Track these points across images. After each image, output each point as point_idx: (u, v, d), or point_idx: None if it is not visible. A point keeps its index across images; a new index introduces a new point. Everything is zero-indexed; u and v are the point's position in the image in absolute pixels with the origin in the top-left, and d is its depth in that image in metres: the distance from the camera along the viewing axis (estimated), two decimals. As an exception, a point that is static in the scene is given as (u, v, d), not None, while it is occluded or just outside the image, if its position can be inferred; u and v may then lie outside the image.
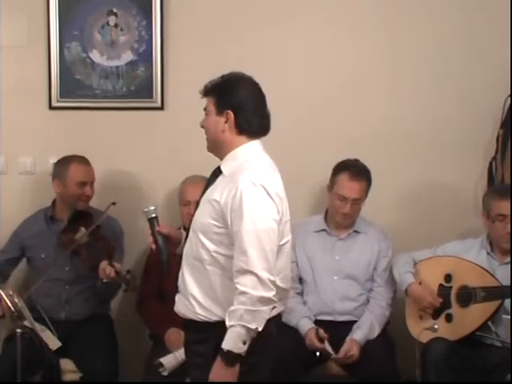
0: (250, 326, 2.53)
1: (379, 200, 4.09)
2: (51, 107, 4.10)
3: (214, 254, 2.64)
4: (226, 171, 2.70)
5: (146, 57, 4.06)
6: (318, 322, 3.71)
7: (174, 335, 3.63)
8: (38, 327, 3.43)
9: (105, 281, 3.45)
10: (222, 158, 2.75)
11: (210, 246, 2.64)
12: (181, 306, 2.75)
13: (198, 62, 4.05)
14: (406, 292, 3.68)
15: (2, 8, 4.02)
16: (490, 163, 4.03)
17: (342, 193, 3.69)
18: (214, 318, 2.65)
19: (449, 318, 3.58)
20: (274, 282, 2.57)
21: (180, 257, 2.78)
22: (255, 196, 2.58)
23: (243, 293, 2.53)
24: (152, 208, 2.85)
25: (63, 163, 3.85)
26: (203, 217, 2.67)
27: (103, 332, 3.80)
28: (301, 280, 3.82)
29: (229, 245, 2.61)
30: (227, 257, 2.62)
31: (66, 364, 3.69)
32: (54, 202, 3.91)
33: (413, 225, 4.12)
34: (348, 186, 3.69)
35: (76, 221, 3.73)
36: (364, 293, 3.77)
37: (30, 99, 4.10)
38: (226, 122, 2.69)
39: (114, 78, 4.08)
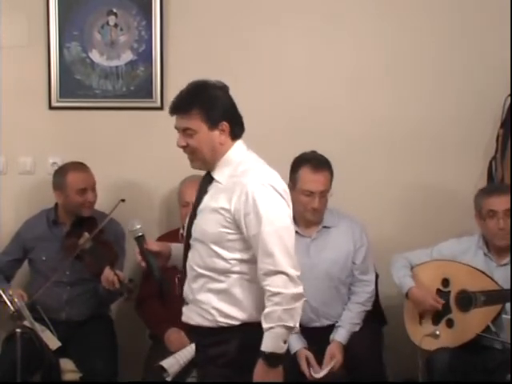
0: (289, 324, 2.54)
1: (379, 200, 4.10)
2: (51, 107, 4.10)
3: (232, 261, 2.62)
4: (222, 178, 2.66)
5: (145, 57, 4.06)
6: (305, 331, 3.56)
7: (174, 335, 3.63)
8: (38, 327, 3.44)
9: (107, 288, 3.45)
10: (212, 169, 2.70)
11: (226, 255, 2.62)
12: (195, 317, 2.70)
13: (197, 62, 4.05)
14: (406, 295, 3.65)
15: (2, 8, 4.01)
16: (490, 163, 4.03)
17: (308, 187, 3.55)
18: (235, 323, 2.64)
19: (450, 324, 3.56)
20: (299, 277, 2.59)
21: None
22: (267, 196, 2.58)
23: (277, 293, 2.53)
24: (138, 227, 2.79)
25: (60, 173, 3.82)
26: (212, 227, 2.63)
27: (103, 332, 3.80)
28: None
29: (244, 249, 2.61)
30: (244, 261, 2.62)
31: (66, 364, 3.69)
32: (56, 205, 3.89)
33: (413, 225, 4.11)
34: (312, 180, 3.54)
35: (79, 225, 3.73)
36: (346, 292, 3.70)
37: (30, 99, 4.10)
38: (222, 135, 2.65)
39: (113, 78, 4.08)
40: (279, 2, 4.09)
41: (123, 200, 3.62)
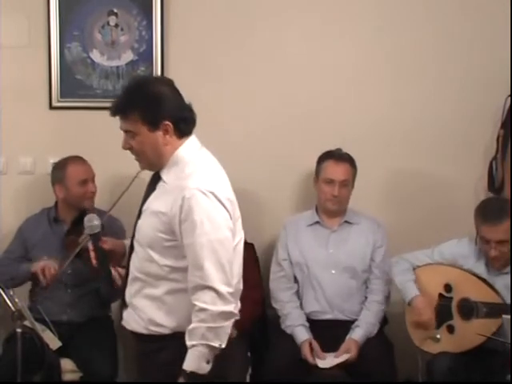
0: (213, 343, 2.40)
1: (379, 200, 4.10)
2: (51, 107, 4.10)
3: (165, 268, 2.49)
4: (169, 178, 2.53)
5: (146, 57, 4.06)
6: (316, 323, 3.70)
7: None
8: (39, 327, 3.43)
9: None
10: (160, 168, 2.59)
11: (161, 260, 2.49)
12: (132, 323, 2.61)
13: (197, 62, 4.06)
14: (408, 303, 3.64)
15: (2, 8, 4.01)
16: (491, 163, 4.03)
17: (329, 176, 3.74)
18: (167, 332, 2.53)
19: (451, 330, 3.56)
20: (232, 294, 2.44)
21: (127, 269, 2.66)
22: (205, 204, 2.41)
23: (203, 309, 2.39)
24: (96, 223, 2.76)
25: (60, 167, 3.84)
26: (150, 230, 2.51)
27: (103, 332, 3.80)
28: (295, 278, 3.80)
29: (179, 257, 2.47)
30: (178, 269, 2.48)
31: (66, 364, 3.68)
32: (56, 203, 3.90)
33: (413, 225, 4.12)
34: (334, 170, 3.75)
35: (80, 222, 3.72)
36: (362, 286, 3.74)
37: (30, 99, 4.10)
38: (166, 134, 2.51)
39: (114, 78, 4.08)
40: (279, 2, 4.09)
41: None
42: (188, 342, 2.41)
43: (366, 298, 3.75)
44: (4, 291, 3.24)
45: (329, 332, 3.66)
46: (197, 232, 2.40)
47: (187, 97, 2.65)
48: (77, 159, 3.85)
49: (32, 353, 3.35)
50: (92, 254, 2.73)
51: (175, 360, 2.44)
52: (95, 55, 4.07)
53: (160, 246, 2.49)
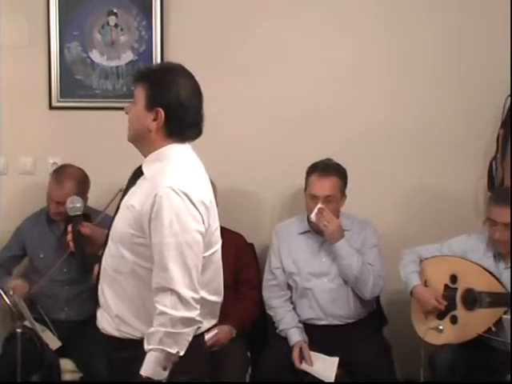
0: (170, 350, 2.28)
1: (379, 201, 4.10)
2: (51, 107, 4.10)
3: (135, 267, 2.39)
4: (148, 173, 2.44)
5: (146, 57, 4.05)
6: (311, 327, 3.69)
7: None
8: (39, 327, 3.44)
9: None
10: (144, 155, 2.51)
11: (130, 258, 2.38)
12: (104, 323, 2.50)
13: (197, 62, 4.02)
14: (410, 294, 3.65)
15: (2, 8, 4.01)
16: (491, 163, 4.03)
17: (312, 192, 3.65)
18: (138, 335, 2.40)
19: (454, 320, 3.57)
20: (197, 300, 2.32)
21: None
22: (177, 205, 2.30)
23: (163, 313, 2.28)
24: (78, 205, 2.68)
25: (51, 175, 3.85)
26: (122, 225, 2.42)
27: (103, 332, 3.80)
28: (288, 285, 3.78)
29: (149, 257, 2.35)
30: (148, 269, 2.37)
31: (66, 364, 3.69)
32: (54, 203, 3.92)
33: (412, 225, 4.12)
34: (317, 185, 3.64)
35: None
36: (354, 293, 3.70)
37: (30, 99, 4.10)
38: (154, 120, 2.42)
39: (114, 78, 4.08)
40: (279, 3, 4.09)
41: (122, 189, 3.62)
42: (146, 346, 2.31)
43: (359, 299, 3.73)
44: (4, 291, 3.25)
45: (324, 335, 3.65)
46: (165, 232, 2.30)
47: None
48: (59, 179, 3.77)
49: (32, 353, 3.36)
50: (69, 237, 2.64)
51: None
52: (95, 55, 4.07)
53: (130, 243, 2.39)
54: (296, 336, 3.65)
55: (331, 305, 3.70)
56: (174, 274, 2.29)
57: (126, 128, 4.02)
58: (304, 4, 4.07)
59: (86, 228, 2.66)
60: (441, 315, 3.60)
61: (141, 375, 2.30)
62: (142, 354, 2.32)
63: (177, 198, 2.31)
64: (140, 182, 2.48)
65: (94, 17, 4.05)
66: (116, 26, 4.07)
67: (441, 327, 3.53)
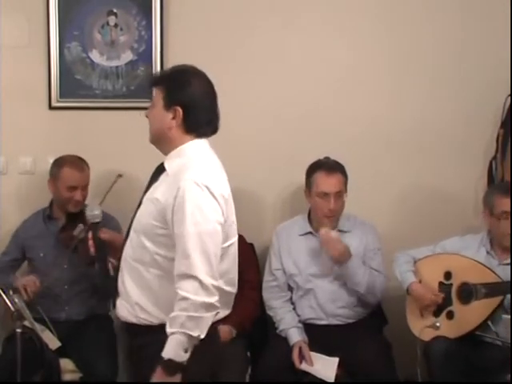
0: (192, 333, 2.40)
1: (379, 200, 4.10)
2: (51, 107, 4.10)
3: (156, 257, 2.53)
4: (170, 169, 2.58)
5: (145, 57, 4.06)
6: (311, 327, 3.70)
7: None
8: (38, 327, 3.43)
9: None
10: (165, 153, 2.64)
11: (152, 248, 2.53)
12: (123, 311, 2.64)
13: (197, 62, 4.02)
14: (407, 291, 3.67)
15: (2, 8, 4.01)
16: (490, 163, 4.04)
17: (323, 189, 3.65)
18: (156, 322, 2.54)
19: (450, 315, 3.58)
20: (217, 287, 2.45)
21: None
22: (198, 197, 2.45)
23: (185, 298, 2.40)
24: (97, 212, 2.79)
25: (58, 164, 3.85)
26: (145, 217, 2.56)
27: (103, 332, 3.80)
28: (289, 286, 3.79)
29: (170, 246, 2.49)
30: (169, 259, 2.50)
31: (66, 364, 3.68)
32: (51, 202, 3.92)
33: (412, 225, 4.12)
34: (326, 182, 3.66)
35: (73, 219, 3.72)
36: (355, 294, 3.71)
37: (30, 99, 4.10)
38: (173, 119, 2.58)
39: (113, 78, 4.08)
40: (279, 3, 4.09)
41: (120, 175, 3.63)
42: (168, 330, 2.42)
43: (360, 299, 3.73)
44: (4, 291, 3.24)
45: (325, 335, 3.66)
46: (187, 222, 2.42)
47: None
48: (75, 163, 3.82)
49: (32, 353, 3.35)
50: (90, 243, 2.78)
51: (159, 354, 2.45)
52: (95, 55, 4.07)
53: (153, 234, 2.53)
54: (296, 336, 3.66)
55: (331, 305, 3.71)
56: (196, 262, 2.41)
57: (126, 127, 4.11)
58: (304, 4, 4.08)
59: (105, 234, 2.81)
60: (437, 312, 3.61)
61: (162, 357, 2.41)
62: (159, 338, 2.44)
63: (198, 189, 2.45)
64: (163, 177, 2.60)
65: (93, 17, 4.05)
66: (116, 25, 4.07)
67: (438, 324, 3.53)
